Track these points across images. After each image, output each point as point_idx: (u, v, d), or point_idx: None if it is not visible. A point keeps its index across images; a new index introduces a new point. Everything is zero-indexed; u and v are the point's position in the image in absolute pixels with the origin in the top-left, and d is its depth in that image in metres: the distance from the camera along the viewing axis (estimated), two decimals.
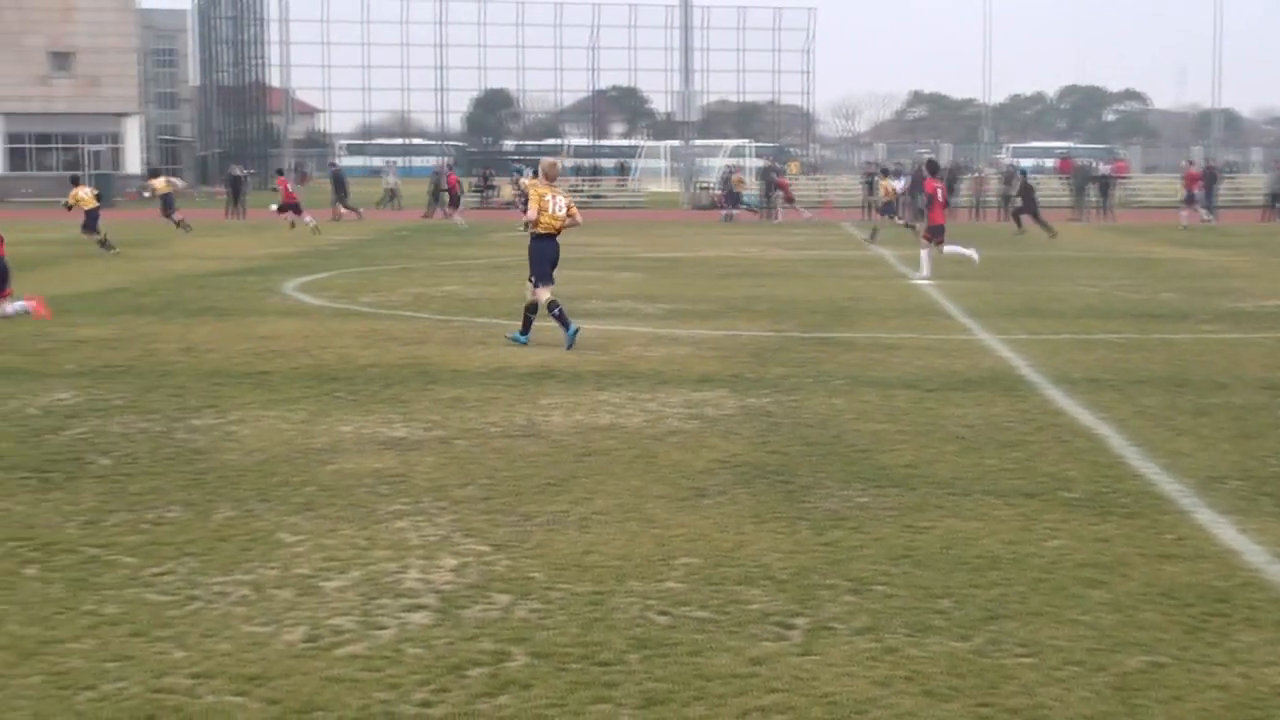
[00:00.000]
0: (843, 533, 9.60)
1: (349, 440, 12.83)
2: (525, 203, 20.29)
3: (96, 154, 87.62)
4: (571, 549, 9.18)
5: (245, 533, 9.61)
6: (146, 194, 52.96)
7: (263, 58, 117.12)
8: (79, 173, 49.41)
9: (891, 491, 10.84)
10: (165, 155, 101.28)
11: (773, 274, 32.43)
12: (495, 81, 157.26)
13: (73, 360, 17.80)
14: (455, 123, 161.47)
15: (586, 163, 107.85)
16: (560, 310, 19.30)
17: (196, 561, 8.91)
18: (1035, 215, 49.75)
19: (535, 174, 20.71)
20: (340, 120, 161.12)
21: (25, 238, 45.13)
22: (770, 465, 11.79)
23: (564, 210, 19.53)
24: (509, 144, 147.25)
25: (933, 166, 34.89)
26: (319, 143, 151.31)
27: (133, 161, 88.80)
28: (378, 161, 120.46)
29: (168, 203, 50.32)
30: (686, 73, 79.21)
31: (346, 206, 59.42)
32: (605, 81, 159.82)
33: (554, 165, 20.13)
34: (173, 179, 55.12)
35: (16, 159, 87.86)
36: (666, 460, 11.98)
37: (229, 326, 21.52)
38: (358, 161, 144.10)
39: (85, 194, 41.25)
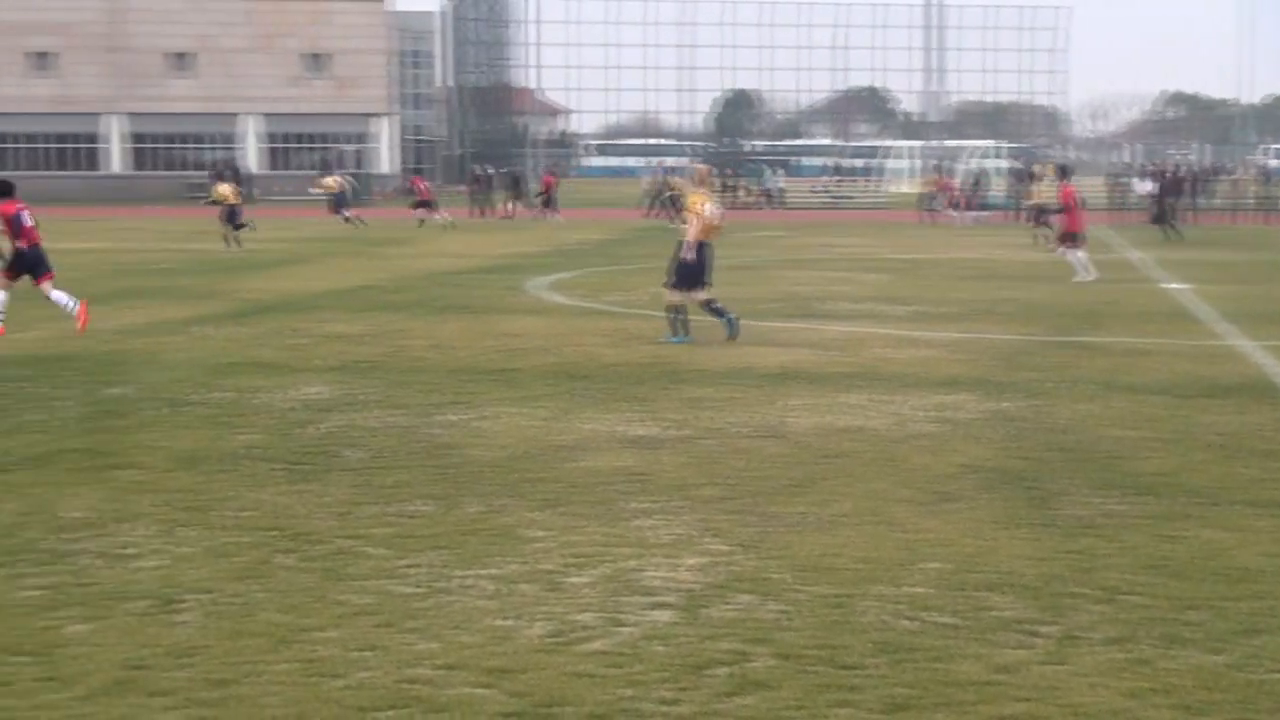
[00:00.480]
0: (1092, 540, 9.38)
1: (593, 438, 12.93)
2: (680, 206, 21.04)
3: (349, 154, 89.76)
4: (814, 550, 9.11)
5: (491, 527, 9.73)
6: (314, 190, 54.24)
7: (512, 59, 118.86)
8: (225, 169, 50.95)
9: (1143, 499, 10.56)
10: (415, 155, 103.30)
11: (1019, 276, 31.91)
12: (740, 82, 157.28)
13: (325, 355, 18.24)
14: (699, 123, 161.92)
15: (833, 163, 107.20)
16: (681, 317, 19.72)
17: (444, 555, 9.05)
18: (1162, 217, 49.04)
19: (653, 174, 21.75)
20: (587, 120, 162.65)
21: (281, 235, 46.41)
22: (1018, 470, 11.58)
23: (718, 217, 20.08)
24: (757, 144, 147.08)
25: (1065, 171, 34.19)
26: (565, 143, 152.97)
27: (384, 161, 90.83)
28: (632, 161, 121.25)
29: (339, 201, 51.93)
30: (930, 72, 78.38)
31: (525, 206, 60.89)
32: (851, 81, 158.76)
33: (708, 171, 21.08)
34: (342, 178, 57.01)
35: (273, 157, 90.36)
36: (911, 463, 11.84)
37: (476, 324, 21.85)
38: (604, 162, 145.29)
39: (226, 189, 42.86)
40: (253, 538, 9.44)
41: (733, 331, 19.64)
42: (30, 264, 21.03)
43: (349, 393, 15.37)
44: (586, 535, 9.52)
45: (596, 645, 7.33)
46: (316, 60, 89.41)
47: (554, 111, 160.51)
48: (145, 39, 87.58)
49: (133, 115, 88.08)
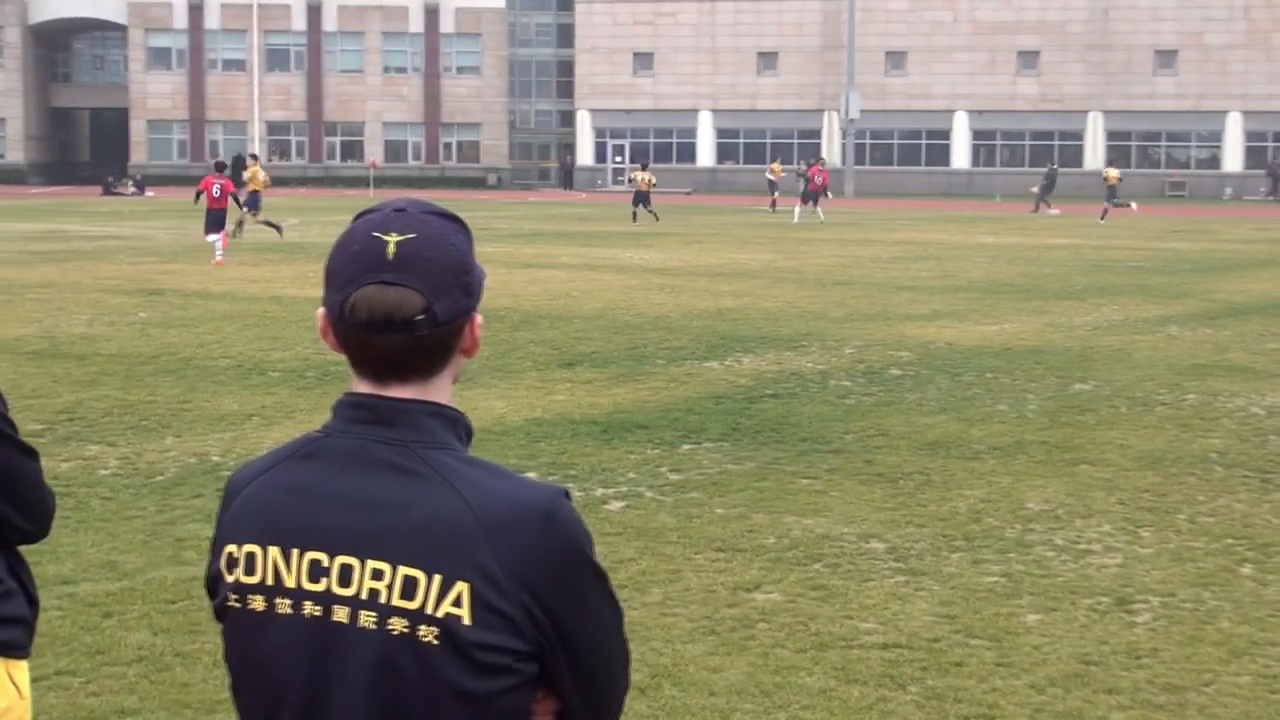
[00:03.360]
0: None
1: None
2: None
3: None
4: None
5: None
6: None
7: None
8: (254, 153, 50.14)
9: None
10: None
11: None
12: None
13: None
14: None
15: None
16: None
17: None
18: None
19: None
20: None
21: (1264, 235, 44.95)
22: None
23: None
24: None
25: None
26: None
27: None
28: None
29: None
30: None
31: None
32: None
33: None
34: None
35: (1251, 157, 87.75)
36: None
37: None
38: None
39: (262, 175, 40.52)
40: (1214, 544, 9.23)
41: None
42: (212, 220, 31.69)
43: None
44: None
45: None
46: None
47: None
48: (1130, 36, 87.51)
49: (1112, 113, 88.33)
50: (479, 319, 2.40)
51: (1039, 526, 9.61)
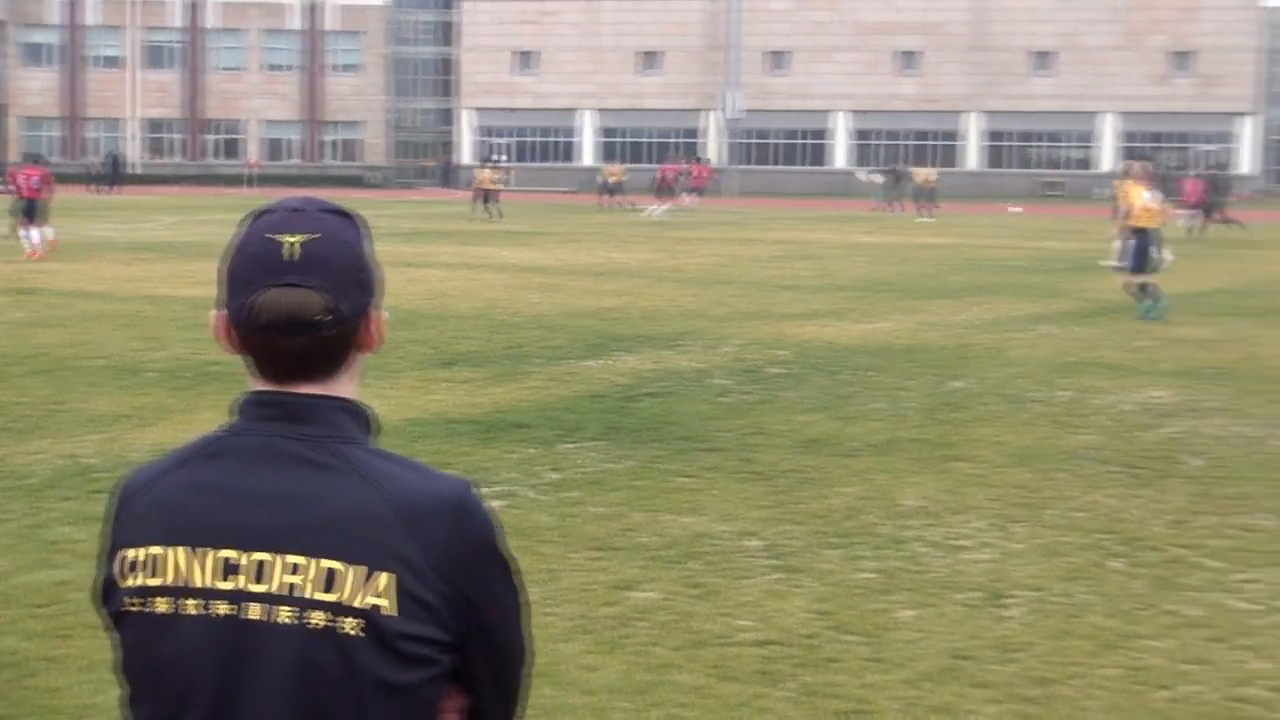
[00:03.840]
0: None
1: None
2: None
3: (1207, 154, 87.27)
4: None
5: None
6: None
7: None
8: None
9: None
10: (1278, 156, 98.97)
11: None
12: None
13: (1170, 359, 17.82)
14: None
15: None
16: (1142, 288, 22.34)
17: None
18: None
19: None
20: None
21: None
22: None
23: (1156, 204, 22.90)
24: None
25: None
26: None
27: (1245, 162, 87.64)
28: None
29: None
30: None
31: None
32: None
33: (1144, 167, 24.37)
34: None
35: (1129, 156, 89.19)
36: None
37: None
38: None
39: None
40: (1084, 539, 9.37)
41: (1146, 315, 21.75)
42: (28, 210, 31.86)
43: (1192, 398, 14.95)
44: None
45: None
46: (1181, 58, 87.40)
47: None
48: (1008, 37, 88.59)
49: (991, 113, 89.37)
50: (385, 315, 2.40)
51: (914, 523, 9.71)
